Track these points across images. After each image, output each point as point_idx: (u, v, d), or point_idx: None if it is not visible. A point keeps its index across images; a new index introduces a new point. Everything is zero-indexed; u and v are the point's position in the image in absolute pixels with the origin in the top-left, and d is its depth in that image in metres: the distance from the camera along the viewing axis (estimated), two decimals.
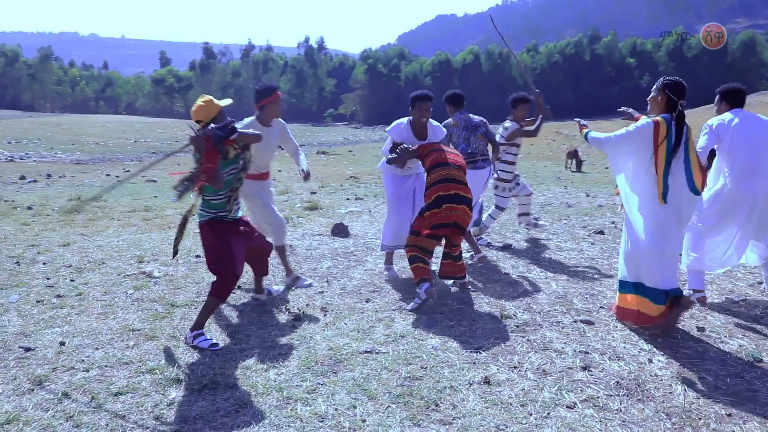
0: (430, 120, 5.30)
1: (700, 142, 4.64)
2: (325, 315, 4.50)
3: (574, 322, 4.38)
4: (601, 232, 7.72)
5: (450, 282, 5.22)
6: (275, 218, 5.05)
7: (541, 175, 17.88)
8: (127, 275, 5.44)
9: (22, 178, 16.28)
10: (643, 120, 4.08)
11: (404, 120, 5.33)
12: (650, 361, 3.69)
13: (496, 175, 6.65)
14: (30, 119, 61.70)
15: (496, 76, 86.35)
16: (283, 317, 4.45)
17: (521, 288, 5.23)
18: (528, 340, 4.02)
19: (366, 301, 4.81)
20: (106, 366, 3.52)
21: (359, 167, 19.19)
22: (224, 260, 3.95)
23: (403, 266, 5.76)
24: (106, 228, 8.02)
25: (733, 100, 4.78)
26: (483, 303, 4.83)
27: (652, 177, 3.96)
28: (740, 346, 3.95)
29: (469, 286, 5.17)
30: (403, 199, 5.38)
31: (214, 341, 3.87)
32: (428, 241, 4.73)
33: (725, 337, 4.11)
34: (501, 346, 3.93)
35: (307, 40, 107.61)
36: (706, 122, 4.73)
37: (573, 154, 22.32)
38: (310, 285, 5.23)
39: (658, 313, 4.07)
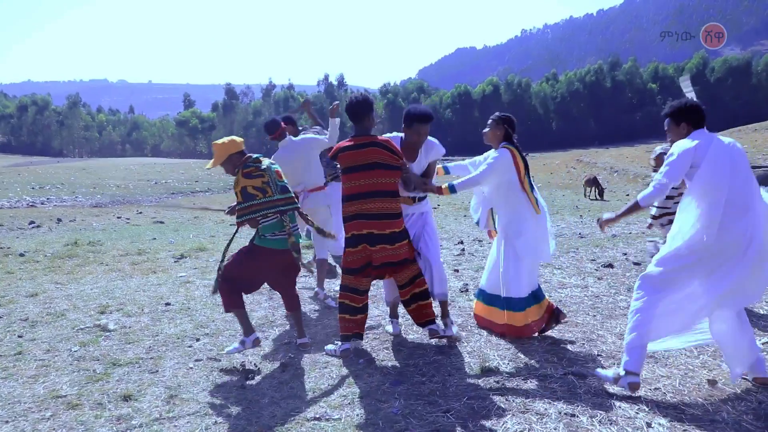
0: (431, 138, 4.52)
1: (659, 175, 3.51)
2: (283, 371, 4.00)
3: (565, 374, 3.82)
4: (611, 266, 7.12)
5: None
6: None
7: (558, 204, 17.27)
8: (81, 329, 5.02)
9: (31, 223, 16.22)
10: (495, 153, 4.46)
11: (398, 135, 4.55)
12: (649, 425, 3.11)
13: None
14: (57, 165, 63.02)
15: (516, 107, 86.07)
16: (236, 374, 3.96)
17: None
18: (507, 400, 3.46)
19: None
20: None
21: None
22: (235, 269, 4.16)
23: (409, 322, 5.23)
24: (88, 274, 7.67)
25: (696, 119, 3.66)
26: (464, 352, 4.29)
27: (523, 195, 4.41)
28: (760, 403, 3.35)
29: (447, 339, 4.45)
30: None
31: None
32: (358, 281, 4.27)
33: (741, 392, 3.51)
34: (474, 408, 3.38)
35: (326, 77, 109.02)
36: (671, 149, 3.59)
37: (592, 182, 21.70)
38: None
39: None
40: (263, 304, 5.80)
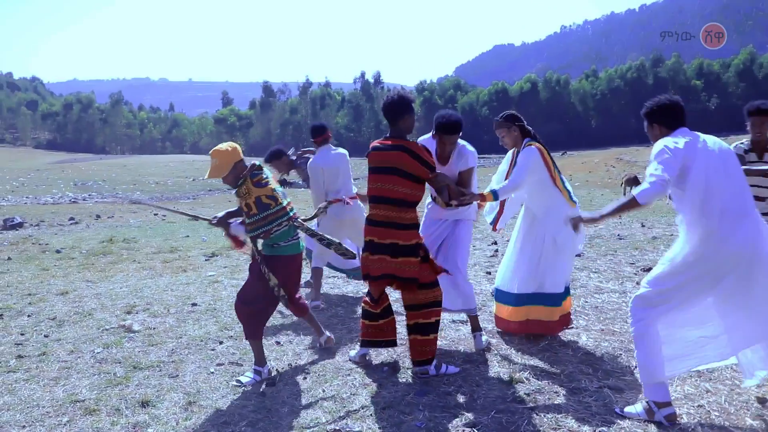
0: (463, 143, 4.27)
1: (653, 169, 3.05)
2: (305, 378, 3.88)
3: (600, 387, 3.60)
4: (650, 270, 6.81)
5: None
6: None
7: (596, 204, 16.82)
8: (107, 329, 4.99)
9: (71, 219, 16.54)
10: (529, 148, 4.24)
11: (430, 137, 4.27)
12: None
13: None
14: (100, 161, 64.60)
15: (554, 104, 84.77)
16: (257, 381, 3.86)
17: (543, 341, 4.47)
18: (537, 415, 3.27)
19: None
20: None
21: None
22: (253, 291, 3.96)
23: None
24: (120, 272, 7.71)
25: (675, 118, 3.24)
26: (494, 361, 4.10)
27: (556, 190, 4.28)
28: None
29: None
30: (428, 247, 4.25)
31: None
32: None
33: None
34: (502, 423, 3.20)
35: (363, 74, 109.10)
36: (655, 145, 3.18)
37: (632, 181, 21.15)
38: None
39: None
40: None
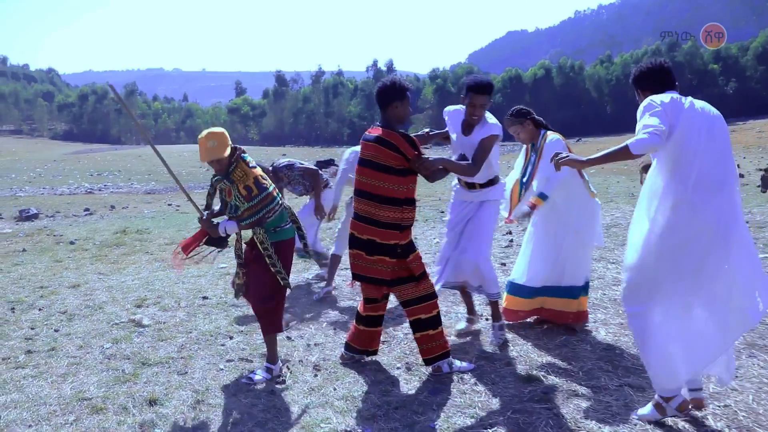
0: (488, 115, 4.06)
1: (647, 121, 2.81)
2: (315, 375, 3.79)
3: (620, 386, 3.48)
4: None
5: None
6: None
7: (612, 192, 16.57)
8: (116, 323, 4.94)
9: (86, 210, 16.59)
10: (554, 139, 4.21)
11: (461, 107, 4.16)
12: None
13: None
14: (115, 152, 64.87)
15: (568, 90, 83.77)
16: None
17: (560, 336, 4.34)
18: (555, 415, 3.16)
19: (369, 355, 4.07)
20: None
21: (420, 188, 18.44)
22: (266, 285, 3.81)
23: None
24: (132, 264, 7.67)
25: (663, 83, 3.05)
26: (511, 357, 3.99)
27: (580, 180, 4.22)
28: None
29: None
30: (452, 227, 4.32)
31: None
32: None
33: None
34: (519, 424, 3.09)
35: (375, 63, 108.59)
36: (644, 101, 2.96)
37: (649, 168, 20.77)
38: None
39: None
40: (300, 300, 5.62)
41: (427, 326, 3.70)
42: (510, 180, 4.49)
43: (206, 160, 3.60)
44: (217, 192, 3.86)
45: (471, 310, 4.57)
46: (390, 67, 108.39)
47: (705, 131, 2.82)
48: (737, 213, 2.84)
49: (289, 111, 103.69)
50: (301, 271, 6.83)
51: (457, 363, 3.81)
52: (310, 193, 6.12)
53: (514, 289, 4.49)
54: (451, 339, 4.39)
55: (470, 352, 4.12)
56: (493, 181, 4.18)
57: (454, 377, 3.69)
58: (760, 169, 15.40)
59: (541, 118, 4.39)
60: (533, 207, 4.20)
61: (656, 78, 3.06)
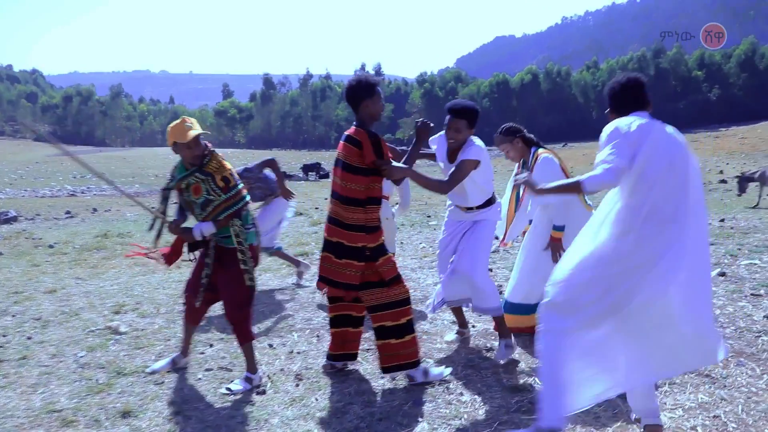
0: (473, 139, 3.92)
1: (606, 155, 2.65)
2: (297, 385, 3.68)
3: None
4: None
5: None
6: None
7: (598, 197, 16.58)
8: (92, 330, 4.79)
9: (67, 212, 16.34)
10: (545, 157, 4.12)
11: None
12: None
13: None
14: (99, 154, 64.33)
15: (555, 96, 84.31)
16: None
17: None
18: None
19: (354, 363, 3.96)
20: None
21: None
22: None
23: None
24: (112, 268, 7.51)
25: (625, 105, 2.84)
26: (497, 367, 3.90)
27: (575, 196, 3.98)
28: None
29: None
30: (444, 246, 4.21)
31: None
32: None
33: None
34: None
35: (363, 66, 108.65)
36: (606, 127, 2.77)
37: None
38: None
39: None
40: (284, 306, 5.50)
41: (390, 334, 3.56)
42: (504, 202, 4.40)
43: (186, 140, 3.47)
44: (176, 196, 3.73)
45: (462, 322, 4.46)
46: (378, 71, 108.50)
47: (666, 161, 2.63)
48: (682, 254, 2.59)
49: (276, 114, 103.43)
50: (285, 276, 6.72)
51: (434, 371, 3.68)
52: (267, 198, 6.01)
53: (513, 308, 4.37)
54: (439, 347, 4.31)
55: (456, 361, 4.02)
56: (490, 201, 4.04)
57: (439, 387, 3.59)
58: (736, 176, 15.51)
59: (532, 136, 4.28)
60: (556, 240, 4.06)
61: (627, 97, 2.85)
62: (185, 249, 3.84)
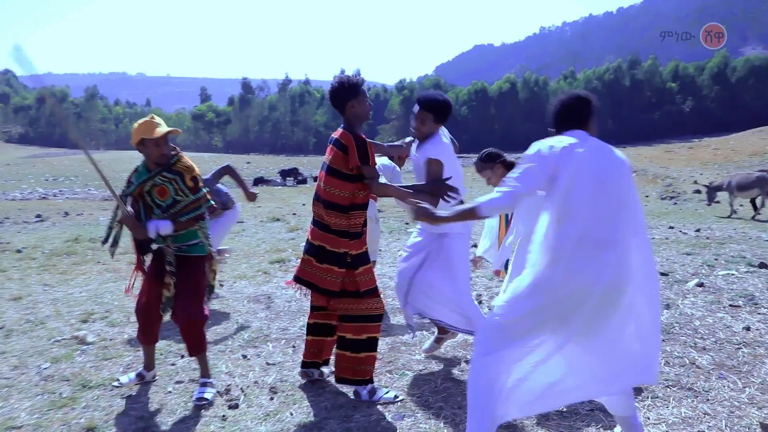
0: (440, 135, 3.75)
1: (510, 177, 2.60)
2: (271, 399, 3.55)
3: (591, 410, 3.34)
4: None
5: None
6: None
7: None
8: (58, 340, 4.60)
9: (38, 216, 15.94)
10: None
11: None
12: None
13: None
14: (73, 157, 63.11)
15: (533, 104, 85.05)
16: (218, 402, 3.51)
17: None
18: None
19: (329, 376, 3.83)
20: None
21: (386, 198, 18.24)
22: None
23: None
24: (81, 275, 7.29)
25: (571, 120, 2.71)
26: None
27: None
28: None
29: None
30: (410, 255, 4.02)
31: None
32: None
33: None
34: None
35: (342, 72, 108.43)
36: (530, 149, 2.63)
37: None
38: None
39: None
40: (259, 314, 5.35)
41: (347, 347, 3.48)
42: (493, 227, 4.31)
43: (156, 136, 3.37)
44: (138, 197, 3.59)
45: (441, 329, 4.34)
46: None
47: (595, 183, 2.47)
48: (623, 273, 2.47)
49: (254, 119, 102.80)
50: (260, 284, 6.57)
51: (383, 393, 3.52)
52: (216, 211, 5.84)
53: None
54: (417, 358, 4.21)
55: (436, 374, 3.93)
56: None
57: (419, 401, 3.49)
58: (705, 185, 15.70)
59: (513, 160, 4.17)
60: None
61: (567, 115, 2.72)
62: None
